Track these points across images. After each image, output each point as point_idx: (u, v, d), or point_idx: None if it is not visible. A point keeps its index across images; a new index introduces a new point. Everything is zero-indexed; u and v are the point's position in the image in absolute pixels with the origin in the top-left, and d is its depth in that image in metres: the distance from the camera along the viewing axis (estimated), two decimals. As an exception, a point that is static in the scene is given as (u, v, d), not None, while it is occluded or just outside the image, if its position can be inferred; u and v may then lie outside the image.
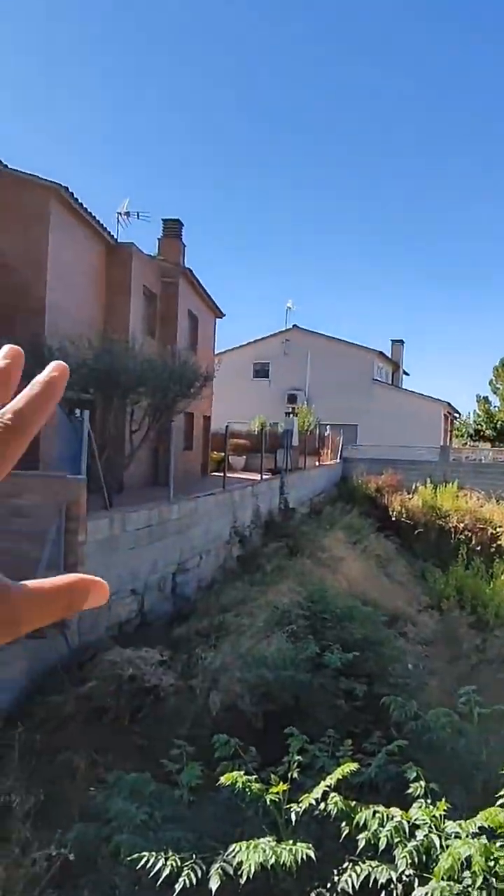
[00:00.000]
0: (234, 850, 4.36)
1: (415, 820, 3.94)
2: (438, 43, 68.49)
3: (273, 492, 20.13)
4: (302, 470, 25.08)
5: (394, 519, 26.88)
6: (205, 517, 14.04)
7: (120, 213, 19.07)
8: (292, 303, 41.09)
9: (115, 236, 17.29)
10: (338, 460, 32.32)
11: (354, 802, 4.52)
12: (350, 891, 3.98)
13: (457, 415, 47.29)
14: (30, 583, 0.45)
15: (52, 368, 0.49)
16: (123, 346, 12.95)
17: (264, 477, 19.79)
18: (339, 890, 4.05)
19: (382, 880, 3.84)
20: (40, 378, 0.49)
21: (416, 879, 3.77)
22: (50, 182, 13.87)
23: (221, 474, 17.09)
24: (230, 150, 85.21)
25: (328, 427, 32.36)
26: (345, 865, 4.15)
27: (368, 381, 39.14)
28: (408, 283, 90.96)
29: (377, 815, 4.05)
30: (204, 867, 4.34)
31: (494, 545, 25.79)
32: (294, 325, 40.26)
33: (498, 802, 4.24)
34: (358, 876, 3.95)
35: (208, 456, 24.63)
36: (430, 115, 78.61)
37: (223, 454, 20.16)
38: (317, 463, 28.78)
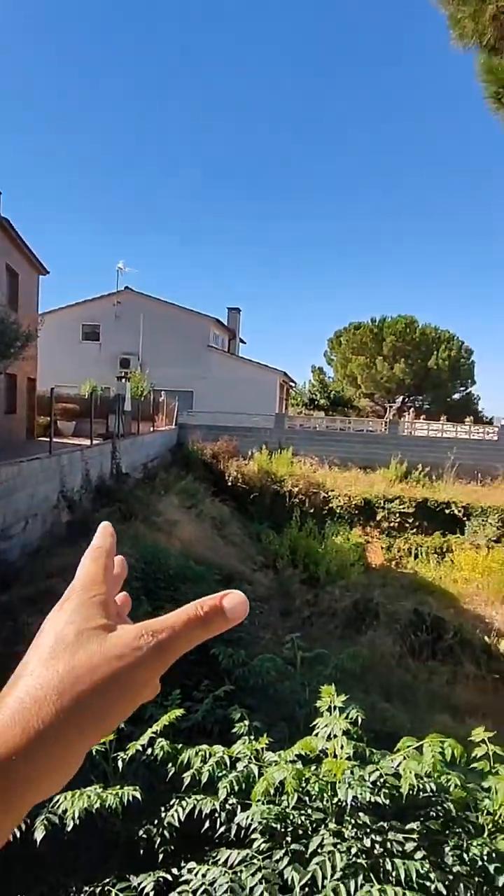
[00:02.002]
0: (57, 800, 4.34)
1: (237, 754, 4.13)
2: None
3: (105, 457, 19.74)
4: (135, 435, 24.82)
5: (230, 484, 27.54)
6: (30, 481, 13.48)
7: None
8: (124, 264, 40.15)
9: None
10: (173, 426, 32.34)
11: (181, 745, 4.63)
12: (176, 823, 4.10)
13: (293, 384, 48.97)
14: (154, 626, 0.47)
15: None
16: None
17: (95, 442, 19.34)
18: (165, 824, 4.16)
19: (207, 810, 4.00)
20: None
21: (240, 807, 3.96)
22: None
23: (48, 439, 16.48)
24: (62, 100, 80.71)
25: (163, 393, 32.20)
26: (172, 802, 4.26)
27: (204, 347, 39.25)
28: (248, 255, 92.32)
29: (199, 753, 4.19)
30: (28, 820, 4.26)
31: (326, 508, 27.35)
32: (126, 287, 39.32)
33: (313, 732, 4.53)
34: (184, 809, 4.08)
35: (34, 420, 23.64)
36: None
37: (51, 418, 19.41)
38: (151, 429, 28.59)
